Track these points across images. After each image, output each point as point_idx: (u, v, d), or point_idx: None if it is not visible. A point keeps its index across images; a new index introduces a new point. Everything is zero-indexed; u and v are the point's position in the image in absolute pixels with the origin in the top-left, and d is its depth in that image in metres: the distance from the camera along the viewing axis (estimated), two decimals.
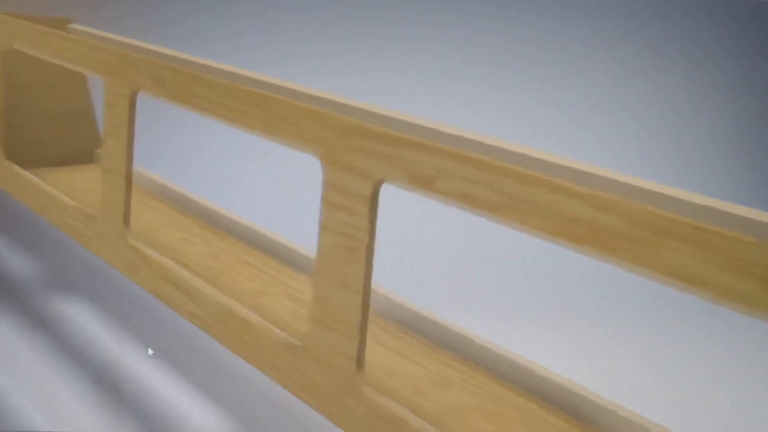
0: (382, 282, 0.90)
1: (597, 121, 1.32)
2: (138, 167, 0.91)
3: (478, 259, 1.00)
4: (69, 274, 0.79)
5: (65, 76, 0.97)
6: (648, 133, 1.34)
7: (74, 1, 1.17)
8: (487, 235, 1.08)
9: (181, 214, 0.81)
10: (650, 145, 1.34)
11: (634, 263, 0.33)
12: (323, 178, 0.46)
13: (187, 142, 1.19)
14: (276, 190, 1.12)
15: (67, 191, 0.85)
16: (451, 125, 0.66)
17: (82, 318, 0.70)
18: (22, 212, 0.93)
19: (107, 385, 0.59)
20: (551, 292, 0.94)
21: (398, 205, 1.12)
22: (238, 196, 1.09)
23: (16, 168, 0.83)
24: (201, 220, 0.79)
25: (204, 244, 0.73)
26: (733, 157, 1.38)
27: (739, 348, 0.85)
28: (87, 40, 0.69)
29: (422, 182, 0.41)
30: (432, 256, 1.00)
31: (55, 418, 0.54)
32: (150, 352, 0.64)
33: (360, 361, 0.45)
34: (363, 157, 0.44)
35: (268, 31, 1.24)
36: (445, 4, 1.25)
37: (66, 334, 0.66)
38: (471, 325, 0.81)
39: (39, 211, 0.79)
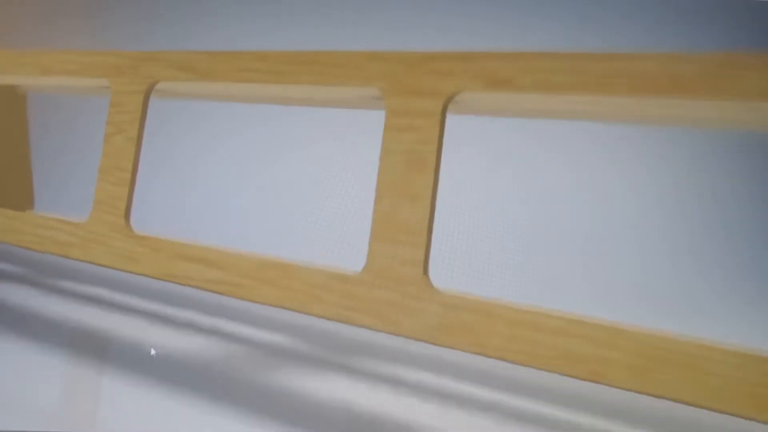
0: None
1: (593, 123, 1.32)
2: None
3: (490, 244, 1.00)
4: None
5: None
6: (646, 133, 1.34)
7: None
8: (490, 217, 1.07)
9: None
10: (648, 145, 1.34)
11: (710, 97, 0.38)
12: (386, 110, 0.48)
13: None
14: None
15: None
16: None
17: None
18: None
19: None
20: (539, 291, 0.94)
21: None
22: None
23: None
24: None
25: None
26: (732, 156, 1.39)
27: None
28: (82, 50, 0.68)
29: (499, 84, 0.45)
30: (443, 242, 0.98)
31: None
32: (152, 351, 0.61)
33: (426, 267, 0.47)
34: (433, 78, 0.47)
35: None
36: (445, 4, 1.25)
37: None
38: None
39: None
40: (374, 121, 0.59)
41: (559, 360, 0.42)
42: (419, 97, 0.47)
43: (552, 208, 1.18)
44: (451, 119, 0.50)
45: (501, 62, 0.45)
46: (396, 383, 0.54)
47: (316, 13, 1.21)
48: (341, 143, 1.15)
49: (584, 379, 0.41)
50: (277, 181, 1.17)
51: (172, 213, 1.07)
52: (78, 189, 0.96)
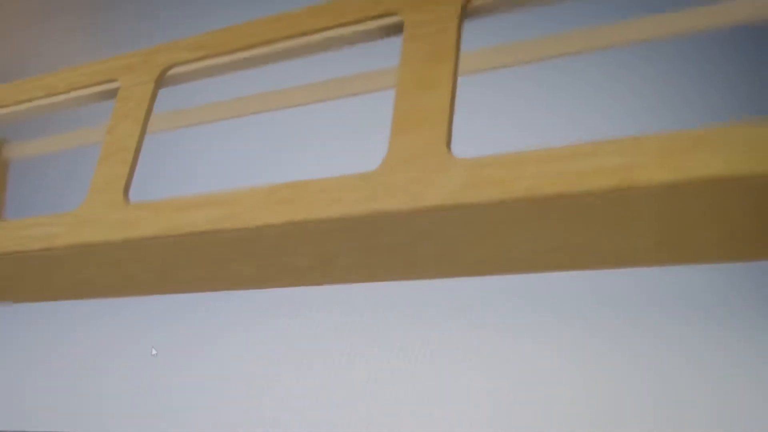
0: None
1: (593, 119, 1.32)
2: None
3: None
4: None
5: None
6: (644, 131, 1.34)
7: None
8: None
9: None
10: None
11: None
12: (405, 25, 0.50)
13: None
14: None
15: None
16: None
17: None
18: None
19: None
20: (540, 292, 0.94)
21: None
22: None
23: None
24: None
25: None
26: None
27: (733, 348, 0.85)
28: (86, 64, 0.67)
29: None
30: None
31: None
32: (153, 351, 0.60)
33: (448, 143, 0.47)
34: None
35: None
36: None
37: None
38: (463, 327, 0.80)
39: None
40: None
41: (589, 178, 0.41)
42: (437, 5, 0.49)
43: None
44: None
45: None
46: None
47: None
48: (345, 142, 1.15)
49: (615, 188, 0.41)
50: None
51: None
52: None
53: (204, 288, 0.65)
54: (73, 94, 0.67)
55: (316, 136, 1.18)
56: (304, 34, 0.55)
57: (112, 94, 0.69)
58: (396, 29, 0.55)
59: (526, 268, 0.51)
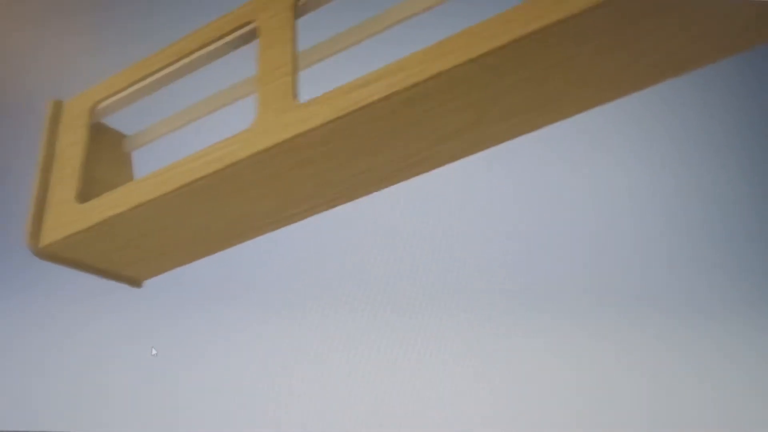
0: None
1: (592, 118, 1.32)
2: None
3: (467, 259, 1.00)
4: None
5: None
6: (645, 132, 1.34)
7: None
8: (476, 235, 1.08)
9: None
10: (646, 145, 1.34)
11: None
12: None
13: None
14: None
15: None
16: None
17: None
18: None
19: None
20: (540, 292, 0.94)
21: (396, 212, 1.11)
22: None
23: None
24: None
25: None
26: (731, 156, 1.39)
27: (730, 348, 0.85)
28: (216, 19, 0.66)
29: None
30: (424, 255, 0.98)
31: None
32: (153, 351, 0.61)
33: None
34: None
35: None
36: None
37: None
38: (461, 324, 0.80)
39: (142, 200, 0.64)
40: None
41: None
42: None
43: (551, 209, 1.18)
44: None
45: None
46: None
47: None
48: None
49: None
50: None
51: None
52: None
53: (362, 189, 0.64)
54: (210, 47, 0.65)
55: None
56: None
57: (250, 36, 0.67)
58: None
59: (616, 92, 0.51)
